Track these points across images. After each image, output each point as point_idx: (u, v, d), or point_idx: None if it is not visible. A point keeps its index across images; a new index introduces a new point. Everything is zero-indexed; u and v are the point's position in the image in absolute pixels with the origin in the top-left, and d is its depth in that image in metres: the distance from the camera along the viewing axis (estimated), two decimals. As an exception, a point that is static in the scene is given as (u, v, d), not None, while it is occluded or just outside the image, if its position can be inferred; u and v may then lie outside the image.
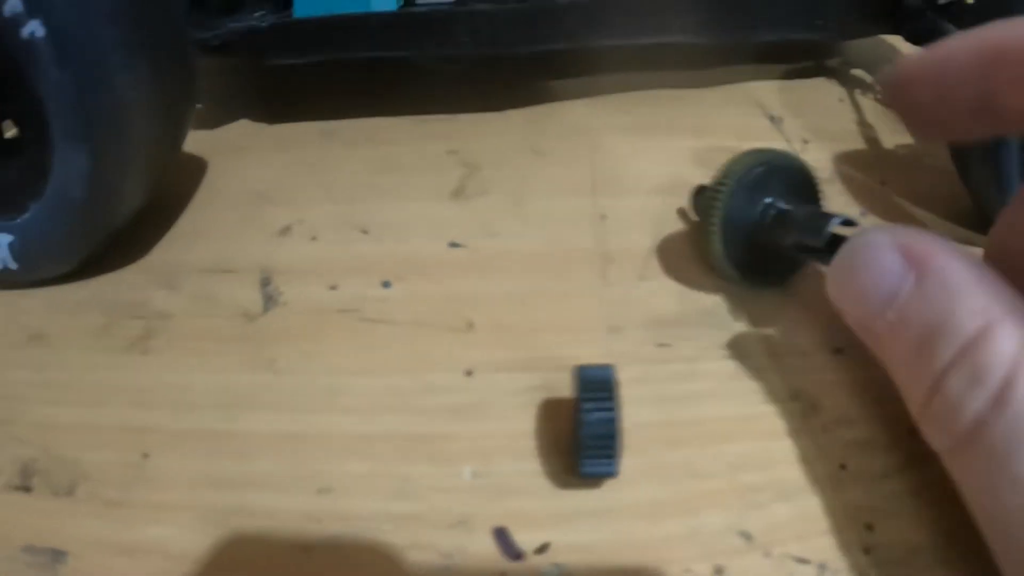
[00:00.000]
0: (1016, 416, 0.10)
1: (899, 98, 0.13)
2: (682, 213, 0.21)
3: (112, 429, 0.17)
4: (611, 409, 0.14)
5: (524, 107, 0.25)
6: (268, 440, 0.16)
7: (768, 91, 0.26)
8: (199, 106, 0.26)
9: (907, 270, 0.12)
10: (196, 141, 0.24)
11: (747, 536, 0.15)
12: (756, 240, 0.17)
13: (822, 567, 0.14)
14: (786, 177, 0.18)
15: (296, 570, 0.14)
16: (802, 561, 0.14)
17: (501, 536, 0.14)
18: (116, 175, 0.19)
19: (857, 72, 0.28)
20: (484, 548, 0.14)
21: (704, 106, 0.25)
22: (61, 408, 0.17)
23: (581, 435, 0.14)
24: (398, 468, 0.15)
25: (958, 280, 0.11)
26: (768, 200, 0.17)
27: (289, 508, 0.15)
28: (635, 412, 0.16)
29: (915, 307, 0.12)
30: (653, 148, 0.23)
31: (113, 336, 0.19)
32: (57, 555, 0.15)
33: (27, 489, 0.16)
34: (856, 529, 0.15)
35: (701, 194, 0.19)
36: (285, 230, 0.21)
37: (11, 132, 0.21)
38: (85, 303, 0.19)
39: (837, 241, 0.15)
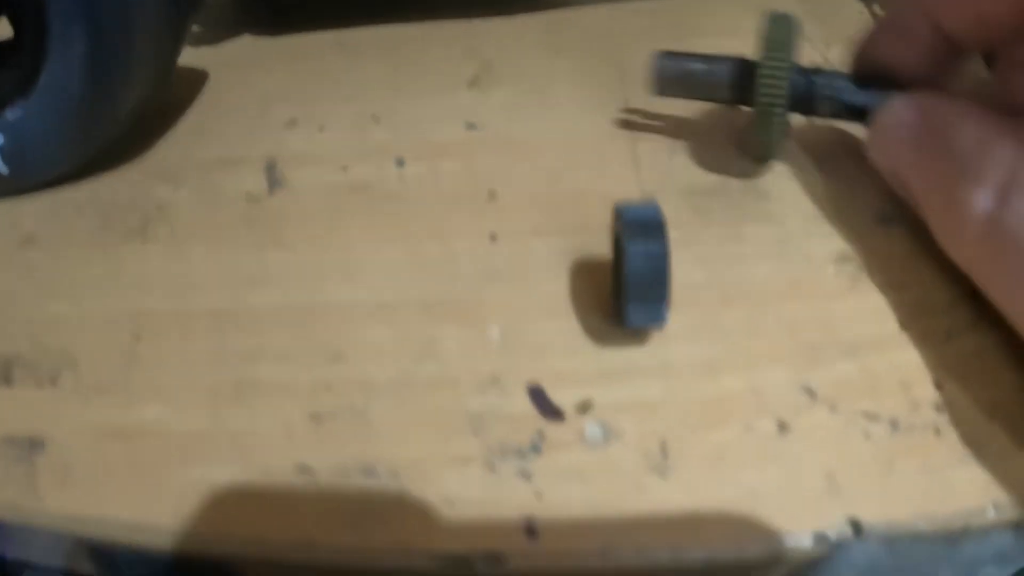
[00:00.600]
0: (1019, 208, 0.12)
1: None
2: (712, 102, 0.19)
3: (104, 317, 0.15)
4: (661, 246, 0.12)
5: (541, 12, 0.23)
6: (278, 314, 0.14)
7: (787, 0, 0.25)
8: (199, 28, 0.25)
9: (921, 119, 0.14)
10: (197, 57, 0.22)
11: (811, 392, 0.13)
12: (794, 111, 0.16)
13: (894, 424, 0.12)
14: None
15: (307, 440, 0.12)
16: (872, 418, 0.13)
17: (537, 394, 0.12)
18: (117, 62, 0.17)
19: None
20: (520, 408, 0.12)
21: (726, 12, 0.23)
22: (50, 301, 0.15)
23: (626, 278, 0.12)
24: (419, 331, 0.13)
25: (958, 118, 0.13)
26: (812, 70, 0.16)
27: (299, 378, 0.13)
28: (679, 271, 0.13)
29: (929, 146, 0.14)
30: (678, 48, 0.21)
31: (110, 231, 0.17)
32: (34, 444, 0.13)
33: (7, 381, 0.14)
34: (926, 387, 0.13)
35: (751, 73, 0.16)
36: (291, 123, 0.19)
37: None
38: (81, 204, 0.17)
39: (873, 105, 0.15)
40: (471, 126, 0.18)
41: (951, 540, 0.11)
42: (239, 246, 0.16)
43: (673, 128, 0.18)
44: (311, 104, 0.19)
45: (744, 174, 0.17)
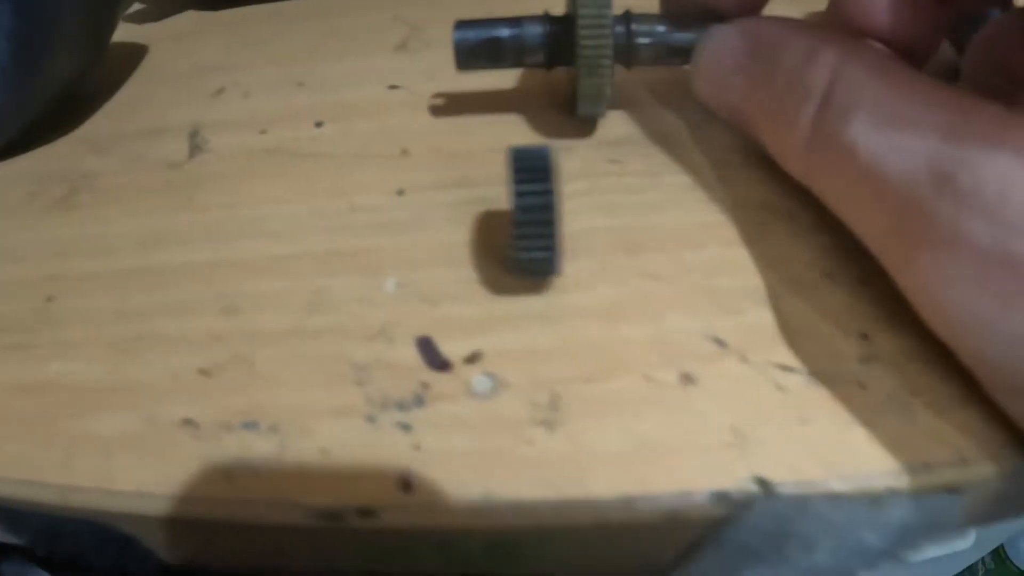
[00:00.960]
0: (840, 103, 0.11)
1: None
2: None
3: (21, 282, 0.14)
4: (547, 191, 0.11)
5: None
6: (180, 271, 0.14)
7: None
8: (142, 5, 0.24)
9: (745, 44, 0.13)
10: (138, 32, 0.22)
11: (720, 341, 0.12)
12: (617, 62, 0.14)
13: (812, 375, 0.11)
14: None
15: (194, 392, 0.12)
16: (787, 369, 0.11)
17: (424, 345, 0.12)
18: (44, 36, 0.17)
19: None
20: (406, 358, 0.12)
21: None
22: None
23: (515, 220, 0.11)
24: (313, 282, 0.13)
25: (783, 34, 0.13)
26: (625, 16, 0.14)
27: (192, 331, 0.12)
28: (585, 219, 0.13)
29: (756, 69, 0.13)
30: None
31: (37, 200, 0.16)
32: None
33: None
34: (850, 338, 0.12)
35: (565, 29, 0.15)
36: (219, 92, 0.18)
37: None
38: (12, 178, 0.17)
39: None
40: (393, 87, 0.17)
41: (874, 502, 0.10)
42: (155, 210, 0.15)
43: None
44: (240, 72, 0.19)
45: (663, 123, 0.15)
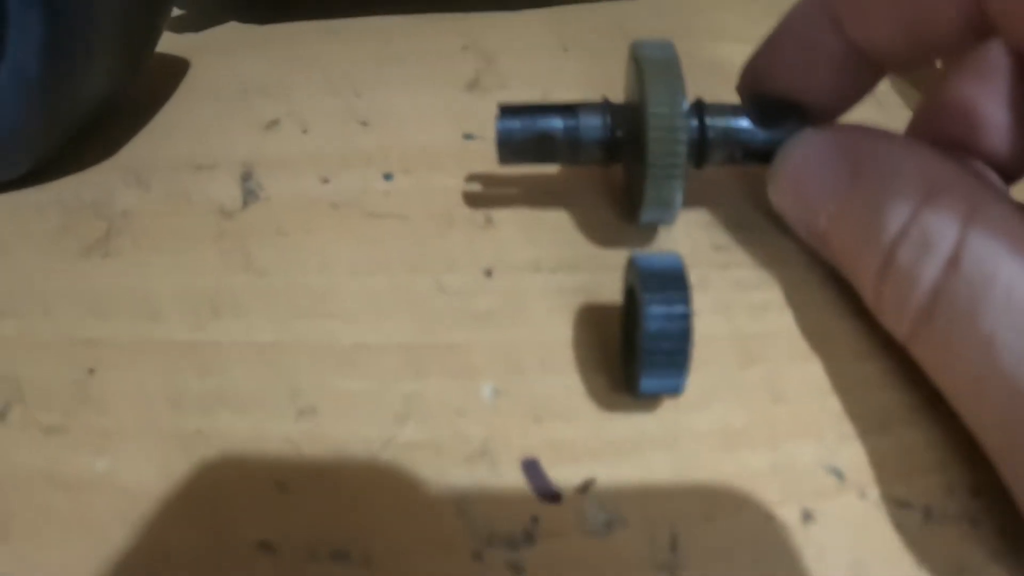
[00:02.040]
0: (972, 273, 0.09)
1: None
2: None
3: (58, 342, 0.12)
4: (684, 303, 0.09)
5: (546, 7, 0.19)
6: (240, 351, 0.11)
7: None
8: (182, 11, 0.21)
9: (843, 161, 0.10)
10: (179, 44, 0.19)
11: (839, 473, 0.10)
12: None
13: (927, 512, 0.10)
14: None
15: (269, 511, 0.10)
16: (904, 505, 0.10)
17: (532, 470, 0.10)
18: (79, 50, 0.14)
19: None
20: (512, 484, 0.10)
21: (747, 12, 0.20)
22: (3, 319, 0.12)
23: (642, 340, 0.09)
24: (400, 384, 0.11)
25: (895, 159, 0.10)
26: (697, 106, 0.12)
27: (263, 435, 0.10)
28: (699, 322, 0.11)
29: (857, 194, 0.10)
30: (691, 50, 0.18)
31: (72, 238, 0.13)
32: None
33: (-46, 411, 0.11)
34: (962, 468, 0.10)
35: (628, 120, 0.12)
36: (272, 124, 0.15)
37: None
38: (43, 206, 0.14)
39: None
40: (468, 136, 0.15)
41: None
42: (207, 268, 0.13)
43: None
44: (295, 100, 0.16)
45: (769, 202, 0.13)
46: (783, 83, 0.11)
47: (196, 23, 0.20)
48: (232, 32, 0.19)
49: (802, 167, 0.11)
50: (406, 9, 0.19)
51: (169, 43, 0.19)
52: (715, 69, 0.18)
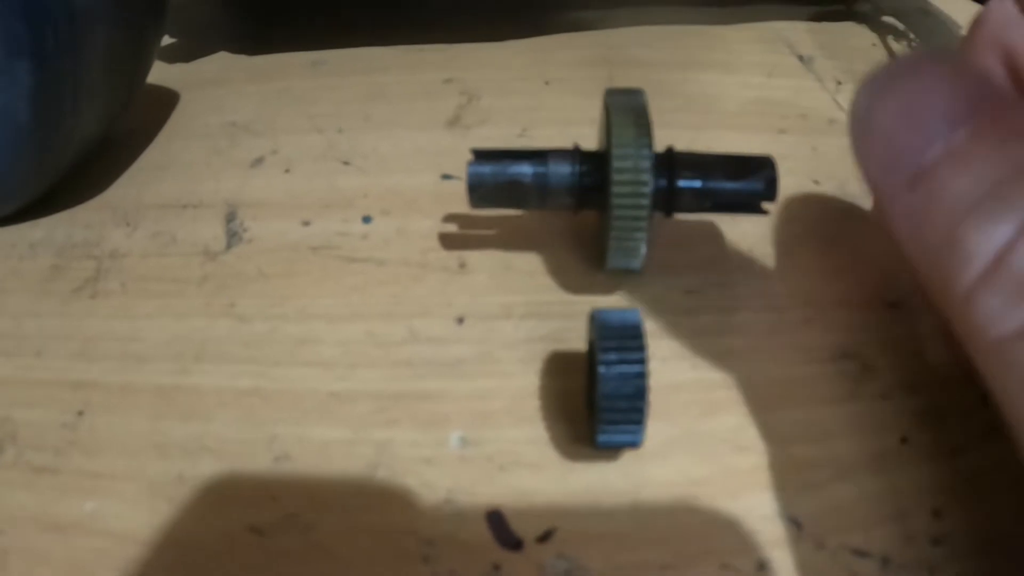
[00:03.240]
0: None
1: None
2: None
3: (48, 383, 0.12)
4: (639, 362, 0.10)
5: (529, 37, 0.20)
6: (222, 397, 0.12)
7: (796, 31, 0.21)
8: (173, 39, 0.22)
9: (978, 100, 0.08)
10: (169, 74, 0.19)
11: (797, 523, 0.11)
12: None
13: (885, 561, 0.10)
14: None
15: (247, 556, 0.10)
16: (861, 554, 0.10)
17: (495, 520, 0.10)
18: (67, 97, 0.15)
19: (888, 19, 0.23)
20: (475, 534, 0.10)
21: (729, 43, 0.20)
22: None
23: (599, 395, 0.10)
24: (372, 433, 0.11)
25: None
26: (666, 156, 0.12)
27: (241, 481, 0.11)
28: (664, 371, 0.12)
29: (985, 151, 0.07)
30: (675, 81, 0.18)
31: (62, 279, 0.14)
32: None
33: (-50, 449, 0.12)
34: (922, 516, 0.11)
35: (597, 168, 0.12)
36: (257, 162, 0.16)
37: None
38: (35, 244, 0.15)
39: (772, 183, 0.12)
40: (447, 177, 0.15)
41: None
42: (191, 311, 0.13)
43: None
44: (280, 137, 0.17)
45: (744, 245, 0.14)
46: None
47: (186, 53, 0.20)
48: (221, 62, 0.20)
49: (920, 79, 0.08)
50: (390, 40, 0.20)
51: (159, 73, 0.19)
52: (698, 98, 0.18)
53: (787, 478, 0.11)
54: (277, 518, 0.11)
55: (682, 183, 0.12)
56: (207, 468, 0.11)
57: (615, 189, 0.11)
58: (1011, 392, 0.08)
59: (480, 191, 0.12)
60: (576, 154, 0.12)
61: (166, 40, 0.21)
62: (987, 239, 0.07)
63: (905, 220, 0.08)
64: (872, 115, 0.08)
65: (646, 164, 0.11)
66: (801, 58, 0.20)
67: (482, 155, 0.12)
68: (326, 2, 0.21)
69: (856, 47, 0.21)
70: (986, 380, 0.08)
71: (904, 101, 0.08)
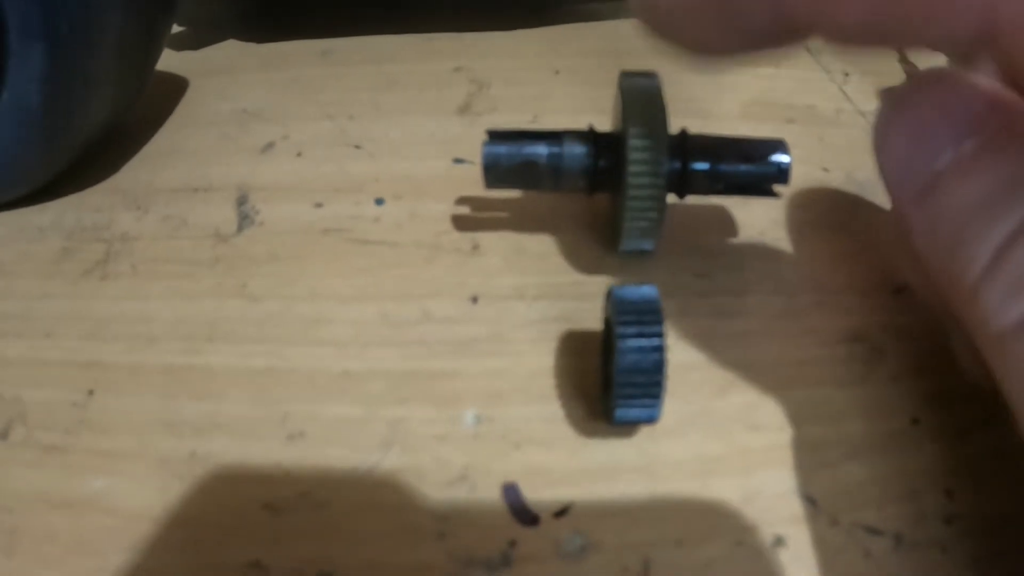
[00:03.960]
0: None
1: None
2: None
3: (58, 364, 0.13)
4: (657, 335, 0.10)
5: (539, 27, 0.20)
6: (234, 376, 0.12)
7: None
8: (182, 28, 0.22)
9: (984, 115, 0.08)
10: (178, 62, 0.19)
11: (811, 500, 0.11)
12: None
13: (898, 539, 0.10)
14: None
15: (260, 533, 0.10)
16: (875, 532, 0.11)
17: (511, 494, 0.10)
18: (79, 81, 0.15)
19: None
20: (491, 509, 0.10)
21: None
22: (6, 340, 0.13)
23: (616, 370, 0.10)
24: (386, 411, 0.11)
25: None
26: (680, 137, 0.12)
27: (254, 458, 0.11)
28: (679, 351, 0.12)
29: (989, 161, 0.08)
30: (684, 71, 0.18)
31: (71, 261, 0.14)
32: None
33: (-42, 430, 0.12)
34: (935, 495, 0.11)
35: (611, 150, 0.12)
36: (268, 147, 0.16)
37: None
38: (45, 228, 0.15)
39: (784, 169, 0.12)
40: (458, 161, 0.15)
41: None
42: (202, 293, 0.13)
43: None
44: (290, 124, 0.17)
45: (754, 230, 0.14)
46: None
47: (195, 41, 0.21)
48: (230, 50, 0.20)
49: (933, 96, 0.09)
50: (400, 29, 0.20)
51: (168, 60, 0.20)
52: (707, 88, 0.18)
53: (800, 457, 0.11)
54: (291, 495, 0.11)
55: (696, 165, 0.12)
56: (219, 446, 0.11)
57: (631, 168, 0.11)
58: (1012, 381, 0.08)
59: (495, 171, 0.12)
60: (591, 135, 0.12)
61: (175, 29, 0.21)
62: (988, 237, 0.08)
63: (919, 226, 0.09)
64: (888, 130, 0.10)
65: (661, 146, 0.11)
66: (809, 50, 0.20)
67: (497, 136, 0.12)
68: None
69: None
70: (991, 371, 0.08)
71: (916, 117, 0.09)
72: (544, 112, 0.17)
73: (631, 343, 0.10)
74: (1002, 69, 0.08)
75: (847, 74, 0.19)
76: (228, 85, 0.18)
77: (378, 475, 0.11)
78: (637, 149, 0.11)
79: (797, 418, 0.11)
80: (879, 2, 0.08)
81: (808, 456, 0.11)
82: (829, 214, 0.15)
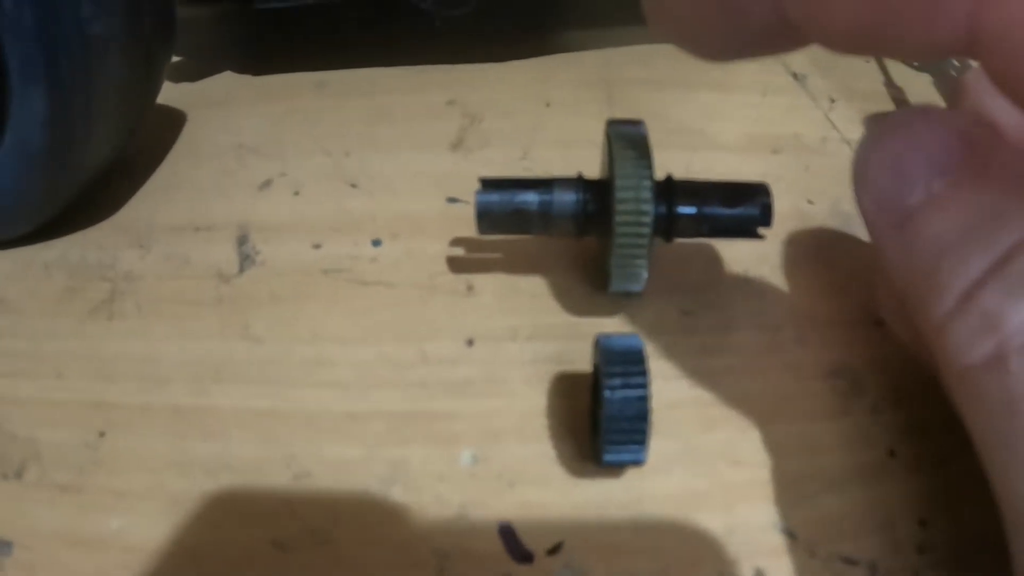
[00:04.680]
0: None
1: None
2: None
3: (70, 404, 0.13)
4: (642, 386, 0.11)
5: (530, 58, 0.21)
6: (240, 417, 0.13)
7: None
8: (179, 58, 0.22)
9: (960, 140, 0.09)
10: (176, 94, 0.20)
11: (791, 534, 0.12)
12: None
13: (872, 568, 0.11)
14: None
15: (269, 569, 0.11)
16: (851, 562, 0.11)
17: (507, 533, 0.11)
18: (80, 122, 0.15)
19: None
20: (487, 546, 0.11)
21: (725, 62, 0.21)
22: (17, 380, 0.14)
23: (604, 417, 0.11)
24: (387, 451, 0.12)
25: (1016, 178, 0.09)
26: (665, 184, 0.13)
27: (262, 497, 0.12)
28: (665, 389, 0.13)
29: (973, 180, 0.09)
30: (672, 101, 0.19)
31: (77, 300, 0.15)
32: (3, 546, 0.12)
33: (-27, 470, 0.13)
34: (908, 525, 0.12)
35: (599, 196, 0.13)
36: (266, 184, 0.17)
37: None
38: (50, 265, 0.16)
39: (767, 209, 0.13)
40: (452, 200, 0.16)
41: None
42: (206, 334, 0.14)
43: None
44: (288, 160, 0.17)
45: (738, 267, 0.15)
46: None
47: (193, 72, 0.21)
48: (227, 82, 0.20)
49: (909, 133, 0.09)
50: (393, 60, 0.20)
51: (166, 93, 0.20)
52: (695, 118, 0.19)
53: (780, 491, 0.12)
54: (298, 532, 0.11)
55: (681, 210, 0.13)
56: (228, 485, 0.12)
57: (618, 218, 0.12)
58: (975, 417, 0.09)
59: (488, 219, 0.13)
60: (580, 183, 0.13)
61: (173, 58, 0.22)
62: (959, 276, 0.09)
63: (893, 257, 0.10)
64: (867, 163, 0.10)
65: (647, 194, 0.12)
66: (795, 76, 0.21)
67: (490, 184, 0.13)
68: (329, 23, 0.21)
69: (850, 65, 0.22)
70: (956, 406, 0.09)
71: (893, 152, 0.10)
72: (535, 145, 0.18)
73: (618, 394, 0.10)
74: (989, 77, 0.09)
75: (833, 100, 0.20)
76: (226, 118, 0.19)
77: (381, 513, 0.12)
78: (624, 200, 0.12)
79: (778, 452, 0.12)
80: (866, 9, 0.08)
81: (788, 490, 0.12)
82: (813, 249, 0.16)
